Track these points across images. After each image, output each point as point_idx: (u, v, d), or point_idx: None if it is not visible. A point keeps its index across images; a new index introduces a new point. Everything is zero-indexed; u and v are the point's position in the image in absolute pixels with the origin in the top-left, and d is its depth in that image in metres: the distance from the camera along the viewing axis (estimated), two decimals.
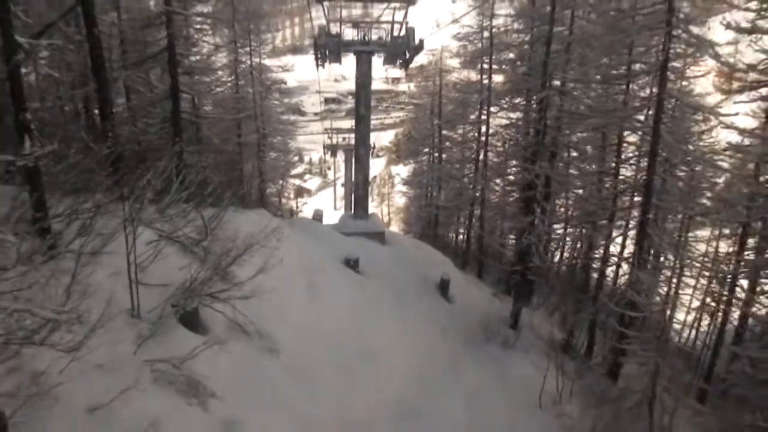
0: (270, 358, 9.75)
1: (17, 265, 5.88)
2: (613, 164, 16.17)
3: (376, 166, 60.48)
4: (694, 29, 12.91)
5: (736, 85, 15.16)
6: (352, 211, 23.20)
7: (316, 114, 70.26)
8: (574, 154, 20.26)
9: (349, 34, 20.12)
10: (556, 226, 20.82)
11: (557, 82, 17.55)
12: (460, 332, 15.43)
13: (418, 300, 16.12)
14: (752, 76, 13.56)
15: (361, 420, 10.19)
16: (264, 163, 26.58)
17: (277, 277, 10.40)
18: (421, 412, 11.19)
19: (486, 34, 22.68)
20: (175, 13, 15.41)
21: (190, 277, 8.71)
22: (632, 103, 14.74)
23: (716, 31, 13.80)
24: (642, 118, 14.79)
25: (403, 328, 13.85)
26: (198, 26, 18.39)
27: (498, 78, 23.10)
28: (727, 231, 18.34)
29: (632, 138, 15.93)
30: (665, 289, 18.12)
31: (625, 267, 16.67)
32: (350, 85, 26.12)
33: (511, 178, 23.65)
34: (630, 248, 16.03)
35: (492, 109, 23.27)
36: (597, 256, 17.98)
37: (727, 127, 13.74)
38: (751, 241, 15.55)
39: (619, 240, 17.52)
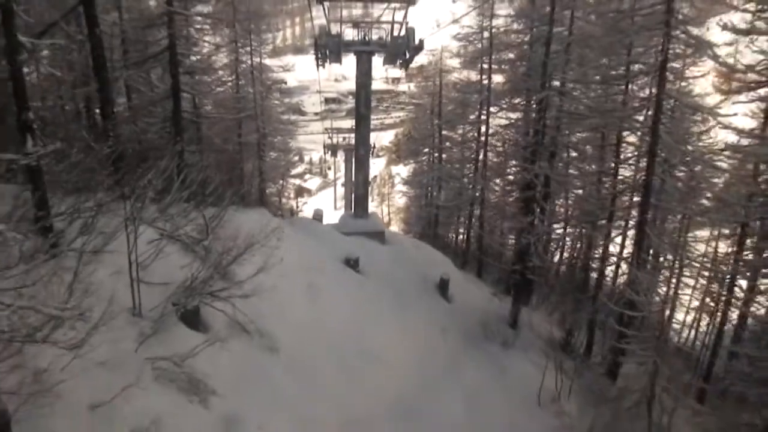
0: (270, 357, 9.81)
1: (20, 264, 5.93)
2: (612, 164, 16.23)
3: (377, 166, 60.52)
4: (693, 30, 12.97)
5: (734, 85, 15.20)
6: (352, 210, 23.25)
7: (316, 114, 70.30)
8: (574, 154, 20.30)
9: (350, 34, 20.17)
10: (555, 225, 20.87)
11: (557, 83, 17.59)
12: (459, 331, 15.48)
13: (417, 299, 16.17)
14: (751, 76, 13.60)
15: (361, 418, 10.23)
16: (264, 163, 26.58)
17: (278, 276, 10.47)
18: (420, 411, 11.24)
19: (486, 34, 22.72)
20: (177, 13, 15.44)
21: (191, 276, 8.78)
22: (631, 104, 14.81)
23: (715, 31, 13.82)
24: (641, 118, 14.85)
25: (403, 327, 13.90)
26: (199, 26, 18.40)
27: (498, 78, 23.13)
28: (726, 231, 18.37)
29: (632, 138, 15.99)
30: (664, 288, 18.19)
31: (624, 267, 16.74)
32: (350, 85, 26.16)
33: (511, 178, 23.69)
34: (629, 248, 16.07)
35: (492, 109, 23.31)
36: (596, 255, 18.04)
37: (725, 127, 13.79)
38: (749, 242, 15.59)
39: (619, 240, 17.58)
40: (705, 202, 16.85)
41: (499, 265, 23.77)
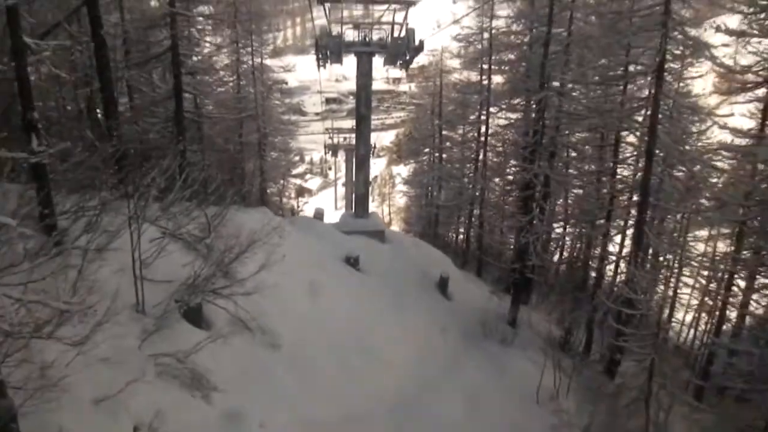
0: (271, 354, 9.91)
1: (25, 261, 6.04)
2: (611, 164, 16.34)
3: (377, 166, 60.60)
4: (691, 31, 13.07)
5: (732, 86, 15.30)
6: (353, 210, 23.35)
7: (317, 114, 70.29)
8: (573, 154, 20.43)
9: (350, 34, 20.28)
10: (555, 225, 20.97)
11: (556, 83, 17.67)
12: (459, 329, 15.56)
13: (417, 297, 16.26)
14: (748, 77, 13.72)
15: (361, 414, 10.30)
16: (265, 163, 26.70)
17: (279, 274, 10.58)
18: (420, 407, 11.33)
19: (486, 35, 22.84)
20: (179, 14, 15.55)
21: (193, 274, 8.89)
22: (630, 104, 14.90)
23: (713, 33, 13.95)
24: (640, 118, 14.94)
25: (403, 325, 13.98)
26: (200, 27, 18.52)
27: (498, 79, 23.25)
28: (726, 231, 18.46)
29: (630, 138, 16.10)
30: (663, 287, 18.28)
31: (623, 266, 16.84)
32: (351, 85, 26.26)
33: (511, 177, 23.78)
34: (629, 247, 16.16)
35: (492, 109, 23.44)
36: (595, 255, 18.14)
37: (722, 127, 13.91)
38: (747, 241, 15.69)
39: (618, 239, 17.68)
40: (704, 201, 16.94)
41: (499, 264, 23.87)
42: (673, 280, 20.42)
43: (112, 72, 12.94)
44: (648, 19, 13.14)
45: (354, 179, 24.23)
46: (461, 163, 27.78)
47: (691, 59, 15.70)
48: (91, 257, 7.49)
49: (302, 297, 12.34)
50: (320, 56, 20.33)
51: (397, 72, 27.10)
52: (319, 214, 23.39)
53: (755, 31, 12.74)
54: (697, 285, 20.19)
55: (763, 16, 13.43)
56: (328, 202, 52.80)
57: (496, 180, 25.18)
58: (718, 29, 12.01)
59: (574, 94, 18.01)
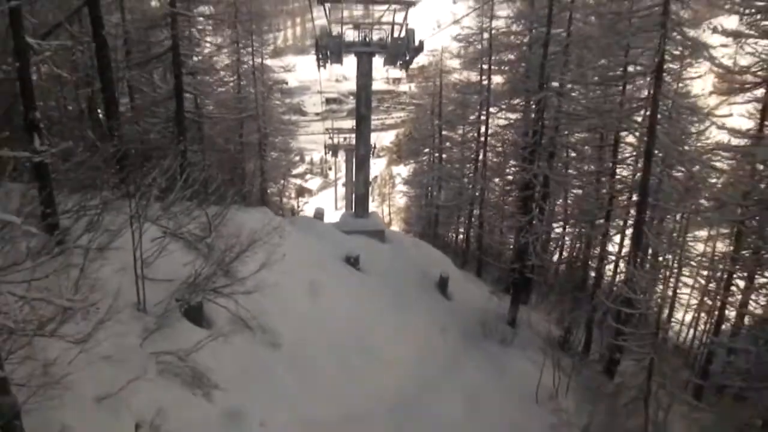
0: (272, 353, 9.96)
1: (27, 260, 6.08)
2: (610, 164, 16.38)
3: (377, 167, 60.64)
4: (689, 32, 13.11)
5: (731, 86, 15.36)
6: (353, 210, 23.40)
7: (317, 114, 70.33)
8: (572, 154, 20.48)
9: (351, 35, 20.33)
10: (554, 225, 21.02)
11: (555, 84, 17.73)
12: (458, 329, 15.60)
13: (417, 297, 16.30)
14: (747, 77, 13.77)
15: (361, 414, 10.33)
16: (266, 163, 26.74)
17: (279, 273, 10.63)
18: (420, 407, 11.37)
19: (486, 35, 22.90)
20: (179, 14, 15.59)
21: (194, 273, 8.94)
22: (629, 104, 14.94)
23: (711, 34, 14.00)
24: (639, 118, 14.99)
25: (403, 324, 14.02)
26: (201, 27, 18.57)
27: (497, 79, 23.31)
28: (725, 231, 18.51)
29: (630, 138, 16.15)
30: (662, 287, 18.30)
31: (622, 265, 16.88)
32: (351, 85, 26.32)
33: (510, 177, 23.87)
34: (628, 247, 16.20)
35: (491, 109, 23.51)
36: (595, 254, 18.19)
37: (720, 128, 13.96)
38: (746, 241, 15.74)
39: (617, 239, 17.73)
40: (703, 201, 16.99)
41: (499, 264, 23.92)
42: (672, 279, 20.48)
43: (113, 72, 12.96)
44: (647, 19, 13.19)
45: (354, 179, 24.28)
46: (461, 163, 27.83)
47: (690, 60, 15.76)
48: (93, 256, 7.54)
49: (302, 296, 12.39)
50: (320, 56, 20.37)
51: (397, 72, 27.12)
52: (319, 214, 23.43)
53: (752, 32, 12.75)
54: (697, 285, 20.26)
55: (759, 17, 13.50)
56: (328, 202, 52.81)
57: (496, 180, 25.24)
58: (714, 30, 12.05)
59: (573, 94, 18.07)
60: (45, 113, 11.39)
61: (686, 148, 15.76)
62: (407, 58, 20.22)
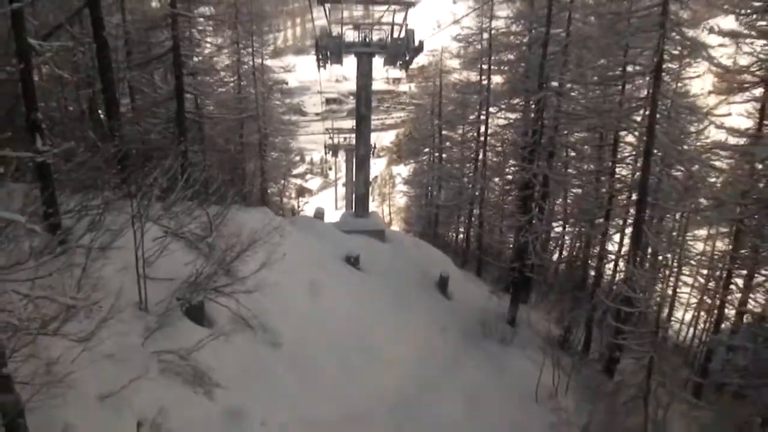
0: (273, 352, 10.00)
1: (30, 260, 6.13)
2: (610, 164, 16.42)
3: (377, 166, 60.69)
4: (688, 32, 13.16)
5: (730, 86, 15.40)
6: (353, 210, 23.45)
7: (317, 114, 70.43)
8: (572, 153, 20.54)
9: (350, 35, 20.37)
10: (554, 224, 21.06)
11: (555, 83, 17.77)
12: (458, 328, 15.64)
13: (417, 297, 16.35)
14: (745, 77, 13.81)
15: (361, 413, 10.37)
16: (266, 163, 26.78)
17: (280, 272, 10.67)
18: (420, 406, 11.41)
19: (485, 35, 22.95)
20: (180, 15, 15.64)
21: (195, 272, 8.99)
22: (628, 104, 14.99)
23: (708, 34, 14.06)
24: (638, 118, 15.03)
25: (403, 324, 14.06)
26: (201, 27, 18.62)
27: (497, 79, 23.37)
28: (724, 230, 18.55)
29: (629, 138, 16.19)
30: (662, 286, 18.33)
31: (622, 264, 16.92)
32: (351, 85, 26.37)
33: (510, 177, 23.91)
34: (628, 246, 16.24)
35: (491, 109, 23.57)
36: (594, 254, 18.23)
37: (719, 127, 14.00)
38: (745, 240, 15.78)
39: (617, 238, 17.78)
40: (702, 200, 17.04)
41: (499, 263, 23.97)
42: (671, 278, 20.53)
43: (114, 73, 13.00)
44: (646, 19, 13.23)
45: (354, 179, 24.33)
46: (461, 163, 27.88)
47: (689, 59, 15.77)
48: (95, 255, 7.58)
49: (303, 296, 12.43)
50: (320, 57, 20.41)
51: (397, 72, 27.15)
52: (319, 214, 23.48)
53: (749, 32, 12.80)
54: (696, 283, 20.31)
55: (755, 17, 13.55)
56: (328, 202, 52.83)
57: (496, 180, 25.28)
58: (711, 31, 12.10)
59: (572, 94, 18.12)
60: (47, 114, 11.42)
61: (685, 147, 15.79)
62: (407, 58, 20.26)
